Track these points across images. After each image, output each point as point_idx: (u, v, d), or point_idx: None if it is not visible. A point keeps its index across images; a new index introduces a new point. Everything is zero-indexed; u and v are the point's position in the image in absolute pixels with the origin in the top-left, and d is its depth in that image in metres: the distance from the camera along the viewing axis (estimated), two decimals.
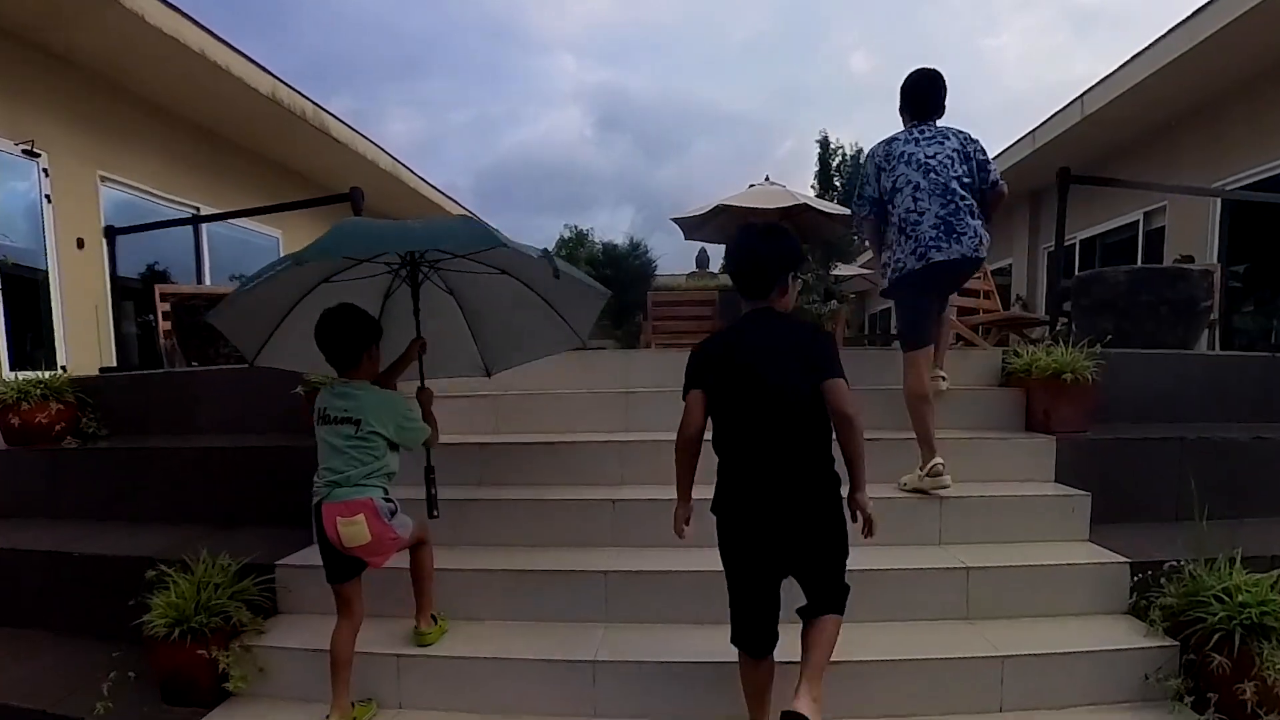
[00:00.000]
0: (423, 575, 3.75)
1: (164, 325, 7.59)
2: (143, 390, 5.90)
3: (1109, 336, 5.52)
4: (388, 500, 3.41)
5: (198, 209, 12.59)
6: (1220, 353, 6.52)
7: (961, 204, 4.54)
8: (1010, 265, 18.85)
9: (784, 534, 2.74)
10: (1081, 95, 13.11)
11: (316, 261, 3.38)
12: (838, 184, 39.93)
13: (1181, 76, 11.14)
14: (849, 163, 40.12)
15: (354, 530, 3.23)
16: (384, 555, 3.45)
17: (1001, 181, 4.89)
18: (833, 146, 40.54)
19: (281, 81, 12.11)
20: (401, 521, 3.47)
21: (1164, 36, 10.88)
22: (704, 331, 9.80)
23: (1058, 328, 5.50)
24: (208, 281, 12.76)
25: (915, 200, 4.60)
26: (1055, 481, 4.39)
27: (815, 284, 14.15)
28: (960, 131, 4.89)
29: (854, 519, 2.84)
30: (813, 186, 43.39)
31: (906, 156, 4.76)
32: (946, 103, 4.98)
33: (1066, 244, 16.06)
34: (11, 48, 9.26)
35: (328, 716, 3.26)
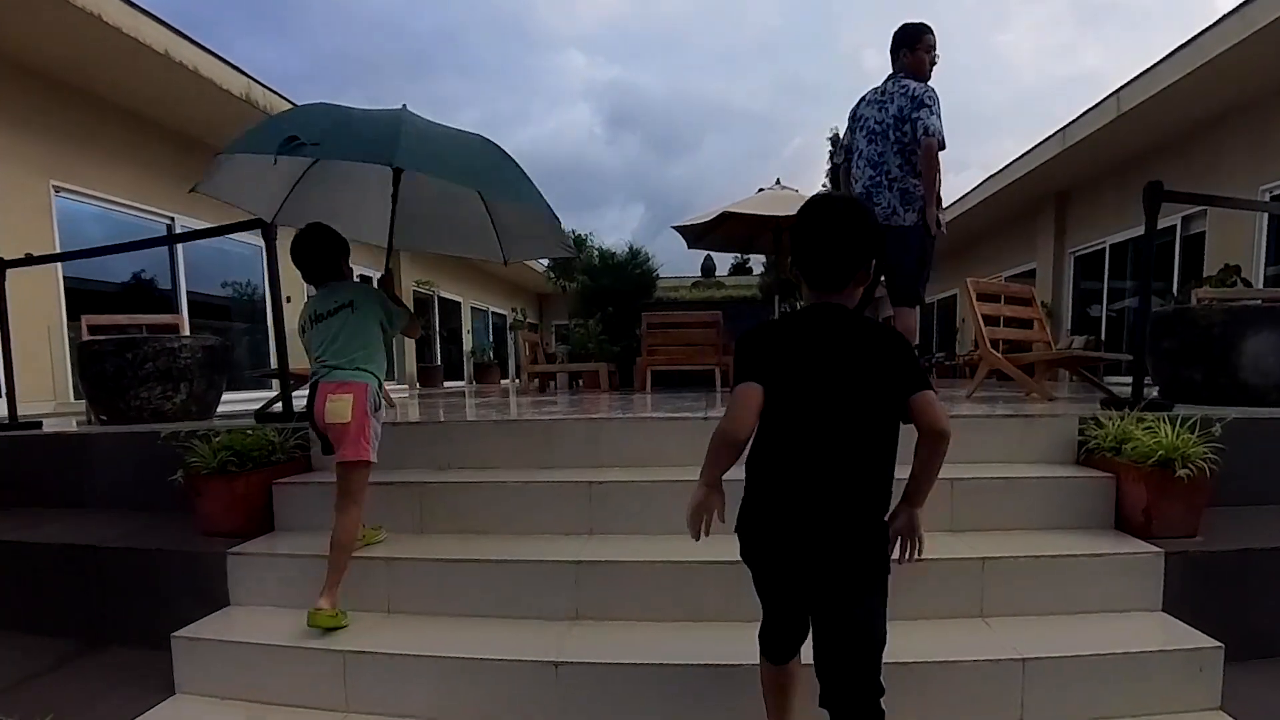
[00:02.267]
0: (338, 544, 3.29)
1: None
2: (29, 453, 4.94)
3: (1199, 389, 4.61)
4: (377, 398, 3.47)
5: (172, 219, 11.98)
6: None
7: (884, 177, 5.00)
8: (1035, 270, 17.74)
9: (815, 576, 2.20)
10: (1117, 91, 12.21)
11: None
12: (845, 185, 39.05)
13: (1227, 72, 10.28)
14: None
15: (338, 407, 3.27)
16: (349, 449, 3.31)
17: (929, 137, 4.85)
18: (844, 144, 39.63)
19: (256, 81, 11.39)
20: (376, 430, 3.43)
21: (1211, 28, 10.02)
22: (705, 354, 9.05)
23: (1145, 386, 4.32)
24: (183, 293, 12.21)
25: (857, 166, 5.22)
26: (1163, 612, 3.16)
27: None
28: (906, 91, 5.02)
29: (893, 541, 2.29)
30: (824, 185, 42.89)
31: (861, 119, 5.27)
32: (931, 56, 5.21)
33: (1093, 249, 15.57)
34: None
35: (319, 600, 3.19)
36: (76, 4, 8.14)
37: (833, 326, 2.24)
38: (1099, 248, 15.47)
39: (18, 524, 4.46)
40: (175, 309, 11.96)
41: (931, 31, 5.25)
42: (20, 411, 8.90)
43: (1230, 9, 9.54)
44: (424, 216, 4.21)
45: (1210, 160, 12.27)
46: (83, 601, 3.94)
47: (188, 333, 11.62)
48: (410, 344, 19.84)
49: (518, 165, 3.97)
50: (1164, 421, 3.49)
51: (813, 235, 2.27)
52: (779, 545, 2.24)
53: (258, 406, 6.93)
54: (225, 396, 8.93)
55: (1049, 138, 14.57)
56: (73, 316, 9.95)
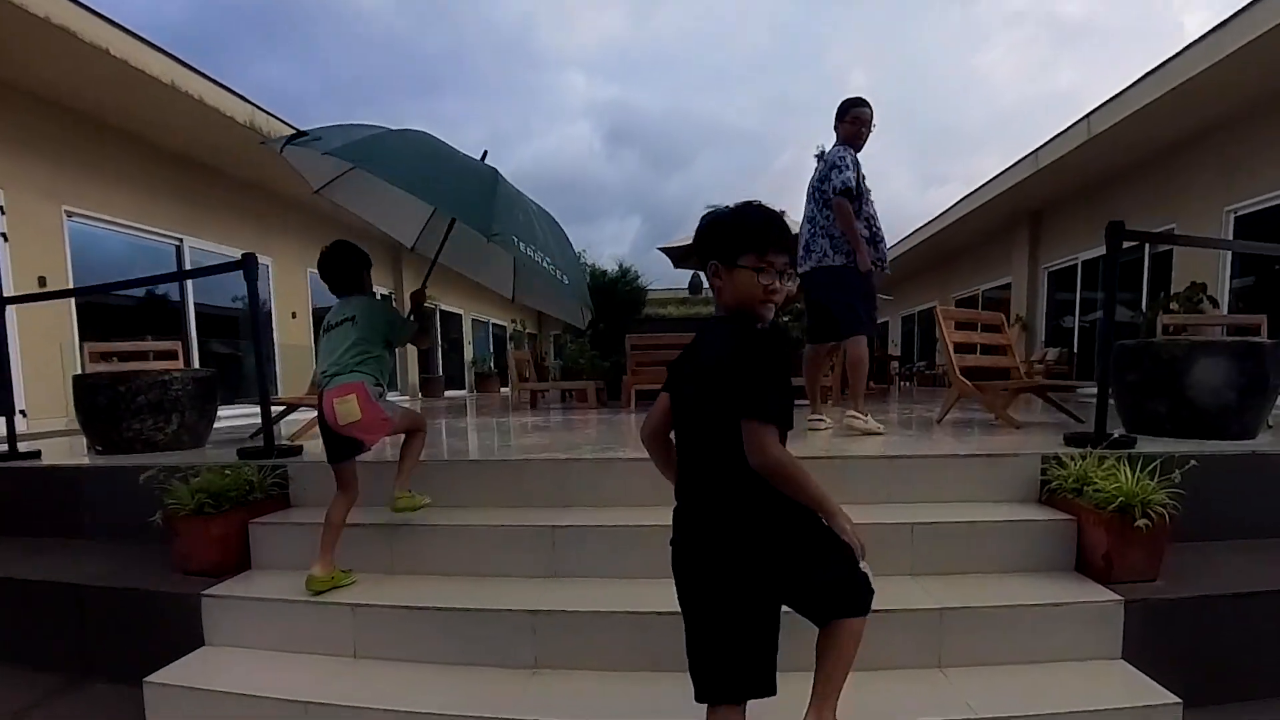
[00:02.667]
0: (408, 454, 3.82)
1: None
2: (28, 485, 4.81)
3: (1163, 421, 4.49)
4: (377, 386, 3.56)
5: (180, 240, 11.96)
6: None
7: (816, 228, 5.47)
8: (1010, 283, 17.64)
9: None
10: (1088, 115, 12.13)
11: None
12: None
13: (1195, 96, 10.20)
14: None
15: (346, 408, 3.39)
16: (375, 434, 3.58)
17: (834, 195, 5.27)
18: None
19: (260, 109, 11.28)
20: (389, 405, 3.63)
21: (1178, 55, 9.95)
22: None
23: (1107, 421, 4.16)
24: (191, 309, 12.16)
25: (802, 222, 5.62)
26: (1123, 660, 2.99)
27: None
28: (827, 157, 5.50)
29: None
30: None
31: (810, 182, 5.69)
32: (864, 126, 5.55)
33: (1065, 265, 15.49)
34: None
35: (312, 568, 3.38)
36: (85, 39, 8.13)
37: (707, 336, 2.18)
38: (1071, 263, 15.40)
39: (11, 556, 4.33)
40: (184, 324, 11.96)
41: (864, 105, 5.54)
42: (33, 428, 9.00)
43: (1198, 36, 9.45)
44: (463, 244, 4.21)
45: (1179, 181, 12.20)
46: (67, 637, 3.79)
47: (195, 358, 11.73)
48: (413, 355, 19.74)
49: (571, 246, 4.17)
50: (1124, 465, 3.35)
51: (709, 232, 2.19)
52: (683, 565, 2.10)
53: (254, 426, 6.85)
54: (228, 412, 8.93)
55: (1022, 159, 14.48)
56: (86, 333, 10.01)
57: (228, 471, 3.86)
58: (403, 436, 3.89)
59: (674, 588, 2.12)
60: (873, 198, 5.55)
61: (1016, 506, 3.71)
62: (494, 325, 26.90)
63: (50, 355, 9.45)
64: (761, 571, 1.99)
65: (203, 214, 12.26)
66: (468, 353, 23.95)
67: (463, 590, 3.37)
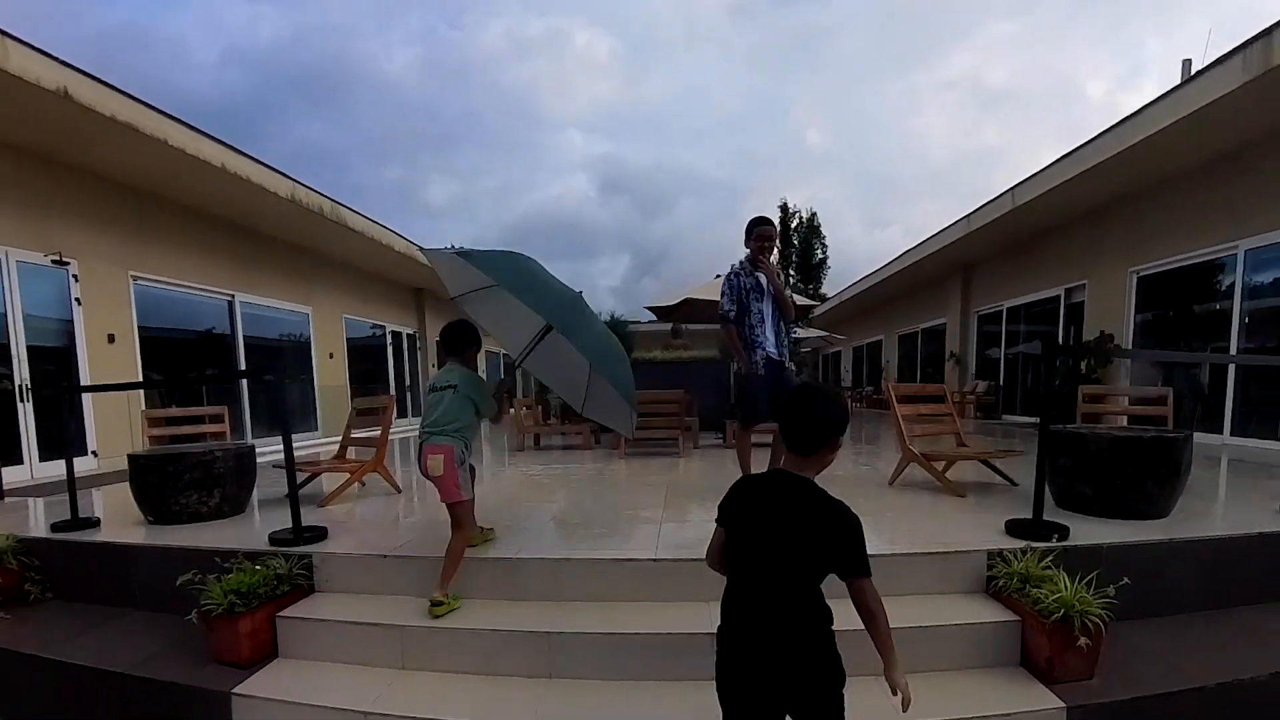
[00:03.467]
0: (450, 555, 3.62)
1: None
2: (83, 556, 4.56)
3: (1090, 502, 4.33)
4: (463, 452, 3.74)
5: (232, 296, 11.75)
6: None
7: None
8: (945, 324, 17.55)
9: (773, 692, 2.00)
10: (1012, 189, 12.10)
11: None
12: (795, 243, 38.94)
13: (1105, 174, 10.15)
14: (804, 225, 39.14)
15: (435, 463, 3.59)
16: (446, 494, 3.64)
17: (720, 314, 5.28)
18: (791, 210, 39.65)
19: (300, 184, 11.13)
20: (464, 478, 3.70)
21: (1090, 141, 9.91)
22: (670, 424, 8.74)
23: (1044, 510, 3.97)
24: (240, 346, 11.94)
25: None
26: None
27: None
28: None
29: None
30: (776, 245, 42.67)
31: None
32: (767, 242, 5.31)
33: (993, 310, 15.40)
34: (38, 168, 8.37)
35: (433, 593, 3.51)
36: (146, 131, 8.01)
37: (789, 491, 2.07)
38: (998, 309, 15.32)
39: (62, 628, 4.09)
40: (234, 357, 11.77)
41: (768, 223, 5.34)
42: (103, 467, 8.74)
43: (1107, 127, 9.42)
44: (545, 354, 4.20)
45: (1091, 244, 12.14)
46: None
47: (245, 390, 11.45)
48: (434, 370, 19.47)
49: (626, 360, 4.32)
50: (1062, 572, 3.17)
51: (791, 413, 2.13)
52: (734, 682, 2.06)
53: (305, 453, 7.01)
54: (272, 445, 8.72)
55: (956, 222, 14.39)
56: (150, 364, 9.98)
57: (257, 567, 3.63)
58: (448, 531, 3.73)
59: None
60: (763, 303, 5.24)
61: (966, 601, 3.50)
62: (504, 356, 26.63)
63: (119, 401, 9.24)
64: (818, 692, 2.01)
65: (252, 272, 12.07)
66: (484, 373, 23.68)
67: (469, 689, 3.15)
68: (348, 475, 5.68)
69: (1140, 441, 4.20)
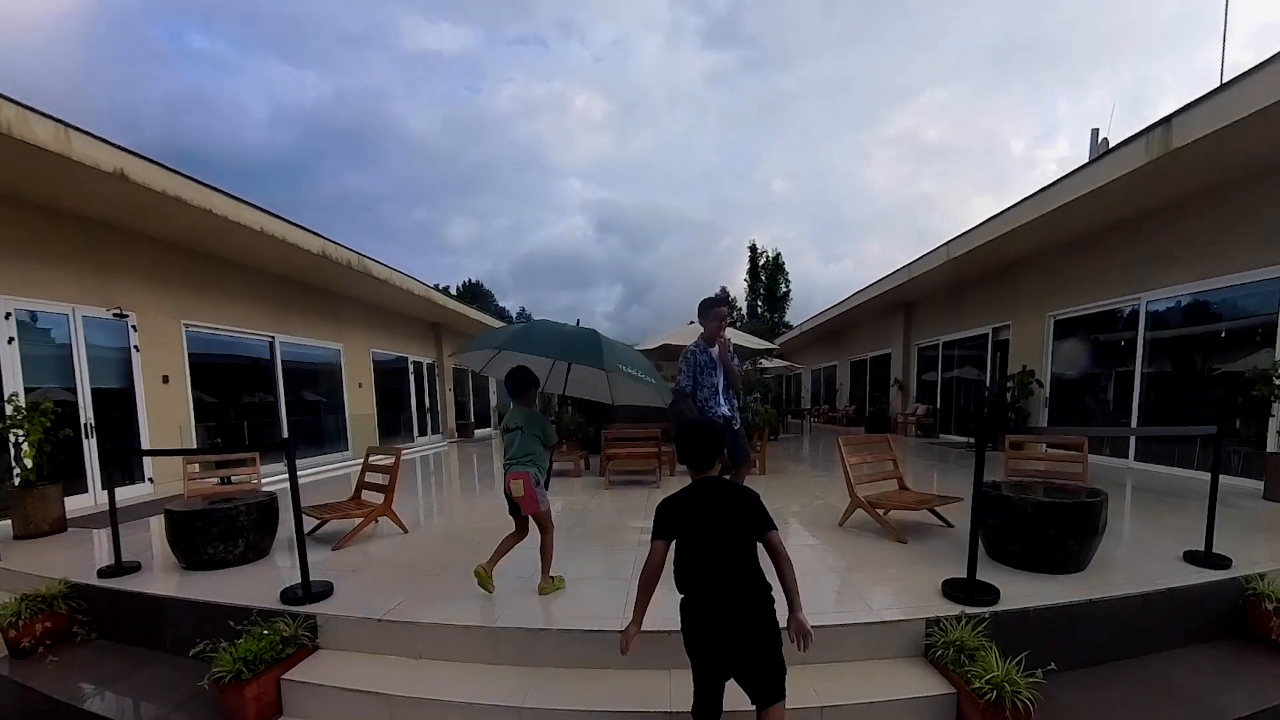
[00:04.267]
0: (545, 553, 4.05)
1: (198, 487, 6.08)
2: (123, 603, 4.32)
3: (1017, 558, 4.13)
4: (537, 475, 3.99)
5: (273, 337, 11.49)
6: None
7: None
8: (890, 354, 17.40)
9: (730, 646, 2.45)
10: (948, 243, 12.01)
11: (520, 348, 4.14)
12: (763, 278, 39.03)
13: (1026, 234, 10.04)
14: (770, 263, 39.21)
15: (516, 487, 3.90)
16: (528, 508, 3.98)
17: (675, 387, 5.24)
18: (759, 250, 39.80)
19: (330, 241, 10.91)
20: (542, 494, 4.02)
21: (1014, 206, 9.82)
22: (648, 459, 8.52)
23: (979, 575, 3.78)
24: (280, 375, 11.62)
25: None
26: None
27: (756, 385, 13.25)
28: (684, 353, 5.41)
29: (793, 640, 2.43)
30: (745, 280, 43.22)
31: None
32: (722, 322, 5.33)
33: (931, 344, 15.26)
34: (100, 234, 8.17)
35: (540, 583, 4.02)
36: (193, 203, 7.82)
37: (710, 491, 2.58)
38: (935, 343, 15.18)
39: (94, 679, 3.84)
40: (274, 379, 11.49)
41: (722, 303, 5.39)
42: (158, 493, 8.51)
43: (1026, 195, 9.36)
44: (573, 377, 4.78)
45: (1014, 290, 12.01)
46: None
47: (282, 407, 11.20)
48: (451, 404, 19.22)
49: (644, 359, 4.52)
50: (994, 650, 2.96)
51: (688, 442, 2.66)
52: (711, 642, 2.45)
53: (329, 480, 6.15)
54: (307, 463, 8.44)
55: (899, 270, 14.29)
56: (199, 383, 9.72)
57: (265, 631, 3.39)
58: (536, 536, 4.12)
59: None
60: (715, 376, 5.30)
61: (906, 667, 3.27)
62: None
63: (172, 433, 9.06)
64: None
65: (289, 315, 11.85)
66: (493, 399, 23.48)
67: None
68: (361, 519, 5.45)
69: (1062, 506, 4.01)
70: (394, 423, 15.99)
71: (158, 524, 6.16)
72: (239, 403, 10.93)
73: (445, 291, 20.44)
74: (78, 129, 6.33)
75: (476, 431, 19.77)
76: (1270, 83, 5.62)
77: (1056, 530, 3.97)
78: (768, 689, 2.44)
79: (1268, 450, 6.89)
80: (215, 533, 4.59)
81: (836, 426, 19.77)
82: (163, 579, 4.53)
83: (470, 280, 60.23)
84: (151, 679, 3.78)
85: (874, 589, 3.98)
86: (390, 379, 15.96)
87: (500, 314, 47.62)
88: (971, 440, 12.77)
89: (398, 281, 13.38)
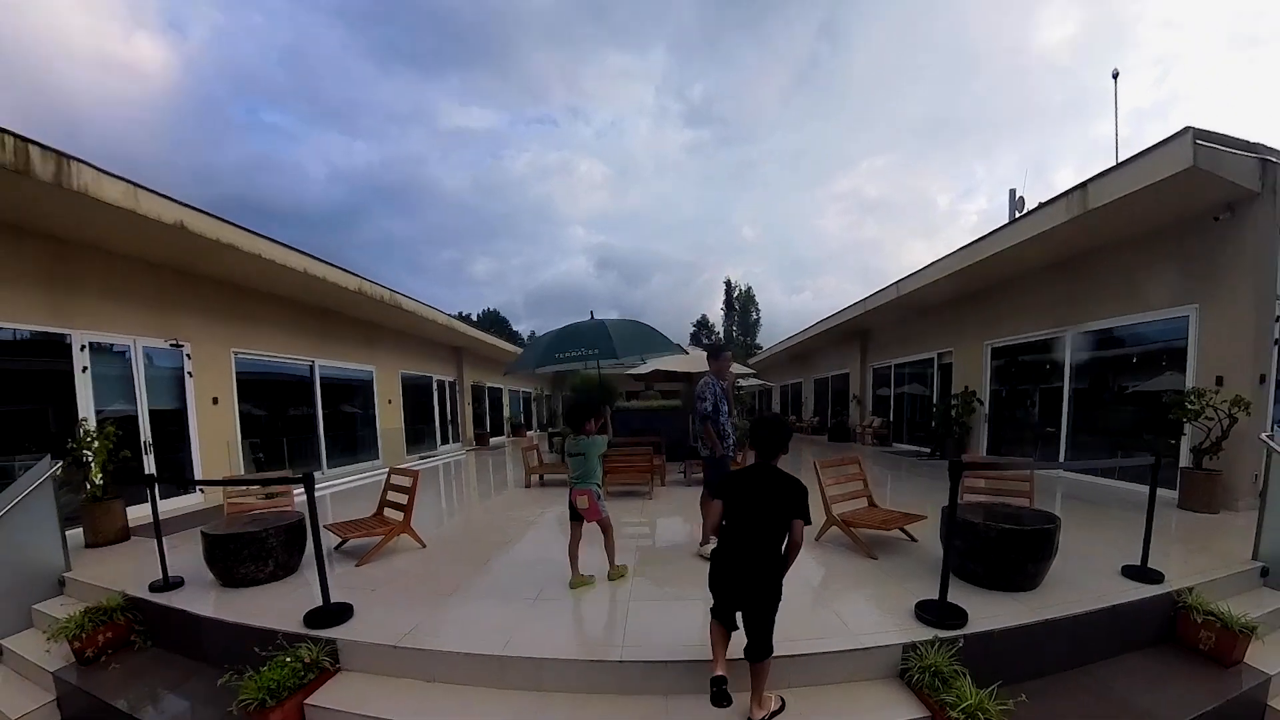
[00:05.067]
0: (609, 547, 4.33)
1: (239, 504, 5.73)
2: (168, 617, 4.02)
3: (981, 578, 3.91)
4: (598, 490, 4.22)
5: (312, 361, 11.12)
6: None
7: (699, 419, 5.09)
8: (849, 373, 17.20)
9: (740, 589, 2.72)
10: (897, 283, 11.84)
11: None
12: (736, 307, 39.07)
13: (964, 277, 9.94)
14: (743, 294, 39.26)
15: (582, 501, 4.15)
16: (591, 517, 4.18)
17: (700, 413, 5.04)
18: (733, 285, 39.90)
19: (366, 280, 10.65)
20: (602, 504, 4.23)
21: (953, 254, 9.76)
22: (644, 471, 8.17)
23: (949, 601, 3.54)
24: (319, 400, 11.21)
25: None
26: None
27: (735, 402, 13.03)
28: (698, 385, 5.21)
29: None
30: (721, 309, 43.45)
31: None
32: (727, 365, 5.22)
33: (884, 366, 15.08)
34: (161, 276, 7.91)
35: (609, 572, 4.31)
36: (245, 249, 7.59)
37: (765, 474, 2.81)
38: (888, 365, 14.99)
39: (145, 689, 3.57)
40: (313, 400, 11.09)
41: (728, 349, 5.36)
42: (207, 503, 8.16)
43: (969, 242, 9.24)
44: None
45: (956, 321, 11.81)
46: None
47: (320, 417, 10.87)
48: (469, 416, 18.87)
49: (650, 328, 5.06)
50: (967, 679, 2.72)
51: (762, 432, 2.90)
52: (725, 584, 2.75)
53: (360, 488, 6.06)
54: (338, 472, 8.21)
55: (855, 304, 14.12)
56: (246, 396, 9.35)
57: (288, 659, 3.11)
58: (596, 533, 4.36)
59: None
60: (724, 404, 5.08)
61: (883, 689, 3.01)
62: (523, 393, 26.10)
63: (220, 449, 8.71)
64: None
65: (328, 342, 11.49)
66: (506, 411, 23.12)
67: None
68: (382, 536, 5.15)
69: (1023, 533, 3.77)
70: (419, 433, 15.61)
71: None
72: (282, 416, 10.59)
73: (467, 318, 20.22)
74: (144, 188, 6.14)
75: (491, 440, 19.42)
76: (1159, 163, 5.75)
77: (1016, 554, 3.75)
78: (758, 642, 2.67)
79: (1181, 466, 6.72)
80: (246, 554, 4.30)
81: (802, 435, 19.57)
82: (202, 596, 4.24)
83: (489, 309, 59.86)
84: (193, 694, 3.50)
85: (851, 611, 3.71)
86: (416, 395, 15.58)
87: (513, 337, 47.28)
88: (924, 449, 12.60)
89: (424, 313, 13.09)
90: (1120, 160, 6.26)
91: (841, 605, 3.79)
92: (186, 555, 4.93)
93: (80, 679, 3.76)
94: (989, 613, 3.45)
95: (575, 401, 4.44)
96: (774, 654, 2.71)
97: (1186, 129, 5.54)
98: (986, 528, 3.83)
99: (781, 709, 2.77)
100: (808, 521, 2.70)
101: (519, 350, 18.40)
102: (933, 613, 3.41)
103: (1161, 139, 5.75)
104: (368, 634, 3.44)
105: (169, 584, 4.38)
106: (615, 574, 4.31)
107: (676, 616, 3.55)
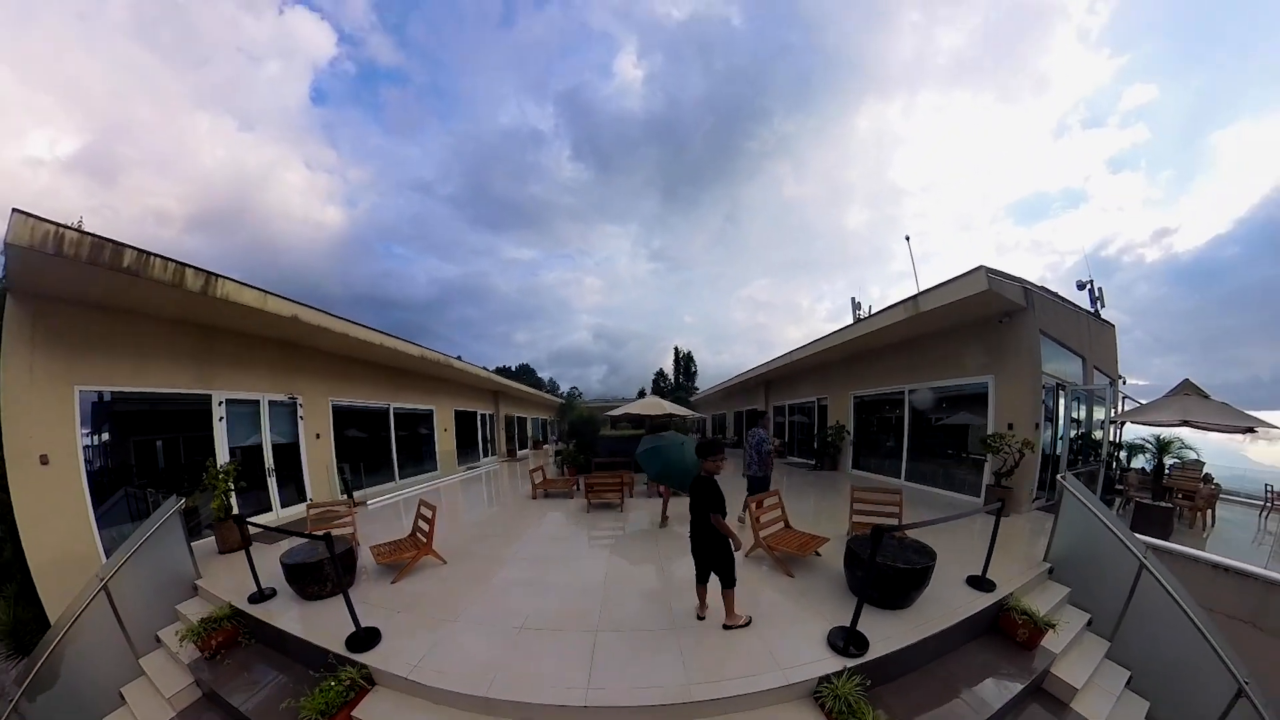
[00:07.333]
0: None
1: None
2: (261, 624, 3.41)
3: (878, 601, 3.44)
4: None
5: (388, 404, 10.32)
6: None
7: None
8: (759, 408, 16.79)
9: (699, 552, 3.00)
10: (791, 351, 11.63)
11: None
12: (681, 365, 38.88)
13: (834, 349, 9.80)
14: (685, 356, 39.31)
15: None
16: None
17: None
18: (680, 350, 39.88)
19: (427, 349, 10.06)
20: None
21: (823, 338, 9.77)
22: (615, 491, 7.25)
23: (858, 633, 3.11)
24: (393, 426, 10.30)
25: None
26: None
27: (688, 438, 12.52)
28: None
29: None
30: (672, 365, 43.02)
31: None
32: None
33: (782, 404, 14.77)
34: (282, 349, 7.33)
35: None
36: (335, 330, 7.02)
37: (696, 484, 3.02)
38: (784, 404, 14.73)
39: (248, 685, 2.98)
40: (388, 430, 10.20)
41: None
42: (312, 514, 7.26)
43: (836, 329, 9.17)
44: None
45: (829, 377, 11.53)
46: None
47: (393, 438, 10.00)
48: (503, 440, 17.91)
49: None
50: (871, 713, 2.30)
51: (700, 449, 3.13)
52: (693, 551, 3.04)
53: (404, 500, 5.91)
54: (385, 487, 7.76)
55: (765, 364, 13.90)
56: (341, 425, 8.52)
57: (332, 683, 2.54)
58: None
59: None
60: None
61: (796, 710, 2.53)
62: (542, 420, 25.18)
63: (322, 472, 7.92)
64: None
65: (400, 390, 10.75)
66: (530, 431, 22.21)
67: None
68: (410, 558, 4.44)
69: (913, 571, 3.36)
70: (467, 451, 14.75)
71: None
72: (368, 441, 9.78)
73: (506, 370, 19.46)
74: (271, 293, 5.76)
75: (519, 452, 18.52)
76: (965, 285, 5.72)
77: (905, 585, 3.36)
78: (724, 578, 2.90)
79: (986, 483, 6.54)
80: (310, 578, 3.70)
81: (731, 448, 19.04)
82: (284, 609, 3.63)
83: (524, 363, 58.43)
84: (284, 682, 2.98)
85: (778, 635, 3.11)
86: (465, 423, 14.72)
87: (537, 383, 45.75)
88: (810, 461, 12.18)
89: (471, 370, 12.53)
90: (941, 282, 6.27)
91: (769, 630, 3.21)
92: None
93: (207, 669, 3.26)
94: (883, 634, 3.03)
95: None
96: (735, 585, 3.01)
97: (980, 266, 5.53)
98: (886, 567, 3.37)
99: (748, 624, 2.94)
100: (721, 513, 2.87)
101: (535, 391, 17.68)
102: (841, 639, 2.95)
103: (967, 270, 5.73)
104: (387, 662, 2.87)
105: (263, 595, 3.77)
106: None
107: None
